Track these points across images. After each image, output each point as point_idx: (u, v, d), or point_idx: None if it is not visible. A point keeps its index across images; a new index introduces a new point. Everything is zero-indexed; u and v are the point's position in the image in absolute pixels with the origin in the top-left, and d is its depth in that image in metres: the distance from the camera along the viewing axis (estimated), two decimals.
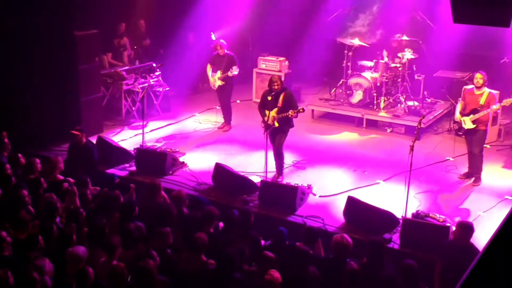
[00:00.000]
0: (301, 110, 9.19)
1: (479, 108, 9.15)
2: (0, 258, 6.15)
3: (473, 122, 9.18)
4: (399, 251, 7.58)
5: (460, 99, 9.66)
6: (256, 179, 9.34)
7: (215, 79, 11.65)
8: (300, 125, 10.80)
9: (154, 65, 12.78)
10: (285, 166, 9.79)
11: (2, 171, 8.43)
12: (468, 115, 9.24)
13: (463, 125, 9.30)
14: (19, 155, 9.01)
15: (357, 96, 12.30)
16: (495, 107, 9.14)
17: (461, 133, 9.47)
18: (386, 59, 12.34)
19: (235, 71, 11.43)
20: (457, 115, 9.44)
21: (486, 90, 9.24)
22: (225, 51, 11.68)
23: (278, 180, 9.46)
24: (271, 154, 9.48)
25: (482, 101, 9.15)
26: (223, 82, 11.59)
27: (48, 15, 10.69)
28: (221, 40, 11.83)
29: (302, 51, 14.22)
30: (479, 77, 9.22)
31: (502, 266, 2.22)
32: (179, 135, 11.76)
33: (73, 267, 6.04)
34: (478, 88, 9.21)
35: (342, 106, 12.58)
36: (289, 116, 9.16)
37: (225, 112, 12.01)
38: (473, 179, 9.52)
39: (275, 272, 6.11)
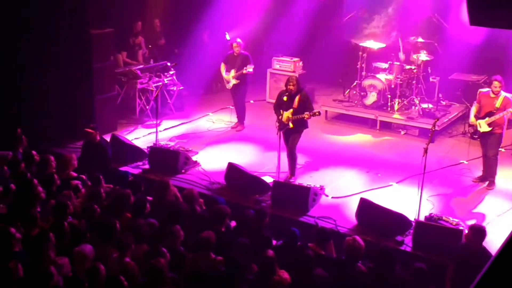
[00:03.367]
0: (316, 113, 9.17)
1: (494, 111, 9.08)
2: (10, 253, 6.20)
3: (489, 125, 9.12)
4: (411, 254, 7.55)
5: (475, 102, 9.60)
6: (269, 179, 9.34)
7: (230, 78, 11.65)
8: (313, 126, 10.78)
9: (168, 64, 12.82)
10: (298, 166, 9.78)
11: (17, 168, 8.50)
12: (483, 118, 9.16)
13: (479, 128, 9.22)
14: (34, 152, 9.08)
15: (371, 97, 12.26)
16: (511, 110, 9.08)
17: (476, 137, 9.40)
18: (402, 56, 12.24)
19: (249, 68, 11.43)
20: (472, 118, 9.36)
21: (502, 94, 9.17)
22: (241, 50, 11.67)
23: (291, 180, 9.45)
24: (284, 154, 9.48)
25: (498, 104, 9.08)
26: (238, 81, 11.60)
27: (63, 13, 10.76)
28: (238, 39, 11.83)
29: (316, 52, 14.19)
30: (498, 85, 9.13)
31: None
32: (192, 134, 11.79)
33: (80, 266, 6.08)
34: (496, 93, 9.16)
35: (356, 107, 12.55)
36: (304, 118, 9.14)
37: (239, 111, 12.02)
38: (487, 182, 9.45)
39: (284, 273, 6.11)
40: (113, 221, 6.98)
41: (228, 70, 11.70)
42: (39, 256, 6.16)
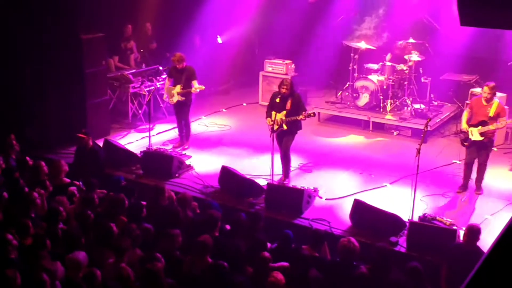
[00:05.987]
0: (312, 115, 9.21)
1: (488, 121, 8.79)
2: (6, 260, 6.18)
3: (481, 134, 8.83)
4: (405, 254, 7.57)
5: (467, 107, 9.39)
6: (263, 182, 9.33)
7: (174, 93, 10.82)
8: (306, 128, 10.79)
9: (160, 68, 12.81)
10: (291, 169, 9.79)
11: (11, 175, 8.46)
12: (476, 126, 8.87)
13: (470, 136, 8.92)
14: (27, 158, 9.04)
15: (364, 99, 12.29)
16: (504, 122, 8.81)
17: (466, 144, 9.05)
18: (388, 63, 12.25)
19: (200, 87, 10.67)
20: (464, 125, 9.02)
21: (496, 101, 8.92)
22: (184, 64, 10.76)
23: (285, 183, 9.45)
24: (277, 157, 9.48)
25: (491, 112, 8.78)
26: (183, 98, 10.80)
27: (54, 18, 10.72)
28: (178, 53, 10.91)
29: (308, 54, 14.22)
30: (487, 92, 8.82)
31: (505, 269, 2.23)
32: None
33: (73, 273, 6.05)
34: (487, 100, 8.87)
35: (348, 109, 12.57)
36: (299, 119, 9.16)
37: (181, 130, 11.24)
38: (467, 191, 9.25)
39: (278, 274, 6.12)
40: (110, 225, 6.98)
41: (174, 85, 10.96)
42: (35, 263, 6.13)
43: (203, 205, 8.21)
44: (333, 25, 13.66)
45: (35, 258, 6.20)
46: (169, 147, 10.94)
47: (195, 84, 10.68)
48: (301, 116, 9.11)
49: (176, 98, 10.88)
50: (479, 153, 9.03)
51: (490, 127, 8.78)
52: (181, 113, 11.12)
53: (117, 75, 12.62)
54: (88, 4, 11.39)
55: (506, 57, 12.27)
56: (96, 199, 8.02)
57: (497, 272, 2.23)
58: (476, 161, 9.14)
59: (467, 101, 11.31)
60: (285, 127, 9.25)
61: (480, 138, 8.86)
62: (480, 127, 8.83)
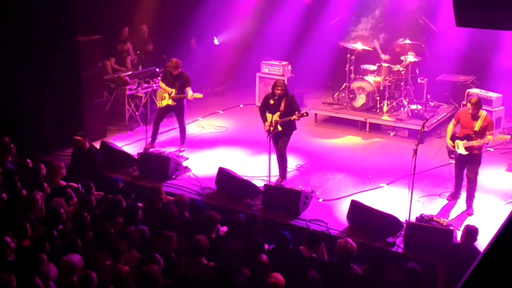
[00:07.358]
0: (304, 114, 9.19)
1: (473, 135, 8.40)
2: (4, 263, 6.17)
3: (466, 149, 8.46)
4: (403, 255, 7.57)
5: (453, 119, 8.97)
6: (260, 183, 9.33)
7: (165, 96, 10.76)
8: (303, 129, 10.80)
9: (157, 70, 12.80)
10: (288, 170, 9.79)
11: (8, 177, 8.44)
12: (462, 139, 8.51)
13: (456, 149, 8.57)
14: (28, 160, 9.02)
15: (360, 100, 12.30)
16: (487, 139, 8.41)
17: (453, 156, 8.78)
18: (384, 64, 12.24)
19: (198, 95, 10.61)
20: (448, 141, 8.67)
21: (483, 113, 8.51)
22: (180, 70, 10.71)
23: (282, 184, 9.45)
24: (274, 158, 9.48)
25: (477, 127, 8.39)
26: (174, 103, 10.76)
27: (51, 20, 10.71)
28: (174, 59, 10.76)
29: (305, 55, 14.22)
30: (471, 108, 8.40)
31: (501, 269, 2.23)
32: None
33: (68, 276, 6.04)
34: (473, 115, 8.48)
35: (345, 110, 12.58)
36: (293, 119, 9.17)
37: (180, 133, 11.18)
38: (466, 207, 8.81)
39: (278, 275, 6.13)
40: (107, 227, 6.97)
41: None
42: (33, 266, 6.11)
43: (192, 206, 8.10)
44: (330, 26, 13.67)
45: (34, 261, 6.18)
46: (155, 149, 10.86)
47: (189, 91, 10.62)
48: (294, 117, 9.11)
49: (166, 102, 10.81)
50: (467, 167, 8.66)
51: (474, 143, 8.36)
52: (164, 117, 11.11)
53: (114, 77, 12.62)
54: (84, 6, 11.38)
55: (502, 57, 12.29)
56: (94, 201, 8.02)
57: (493, 272, 2.24)
58: (465, 174, 8.75)
59: (463, 102, 11.33)
60: (279, 128, 9.25)
61: (465, 152, 8.49)
62: (465, 141, 8.47)
